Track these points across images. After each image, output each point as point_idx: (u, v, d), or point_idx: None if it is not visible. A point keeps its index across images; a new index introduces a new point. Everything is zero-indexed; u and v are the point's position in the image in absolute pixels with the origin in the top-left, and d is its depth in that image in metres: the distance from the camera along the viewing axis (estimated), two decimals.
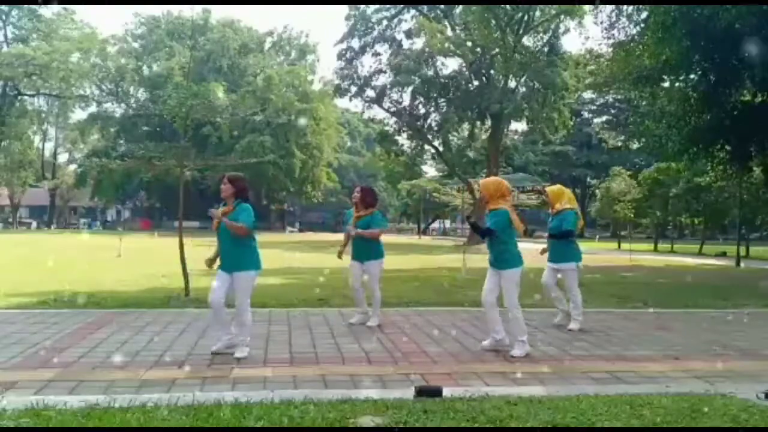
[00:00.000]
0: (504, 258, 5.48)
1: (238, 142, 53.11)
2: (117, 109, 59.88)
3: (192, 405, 3.53)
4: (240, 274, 5.14)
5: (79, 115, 61.56)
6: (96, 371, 4.60)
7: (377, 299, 6.83)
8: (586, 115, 64.64)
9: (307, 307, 7.81)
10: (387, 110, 39.28)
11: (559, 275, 6.94)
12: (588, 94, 52.72)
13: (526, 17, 33.75)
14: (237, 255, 5.18)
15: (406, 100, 38.21)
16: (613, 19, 17.84)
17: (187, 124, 9.45)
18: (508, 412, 3.47)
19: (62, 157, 68.83)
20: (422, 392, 3.83)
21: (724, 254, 26.74)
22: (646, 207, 32.27)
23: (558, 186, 7.41)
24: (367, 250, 6.75)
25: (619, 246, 34.95)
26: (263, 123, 54.34)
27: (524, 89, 35.86)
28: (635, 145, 56.62)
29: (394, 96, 38.28)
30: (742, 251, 23.58)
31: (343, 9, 39.62)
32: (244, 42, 60.93)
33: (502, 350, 5.49)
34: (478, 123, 40.05)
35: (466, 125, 40.65)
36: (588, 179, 63.76)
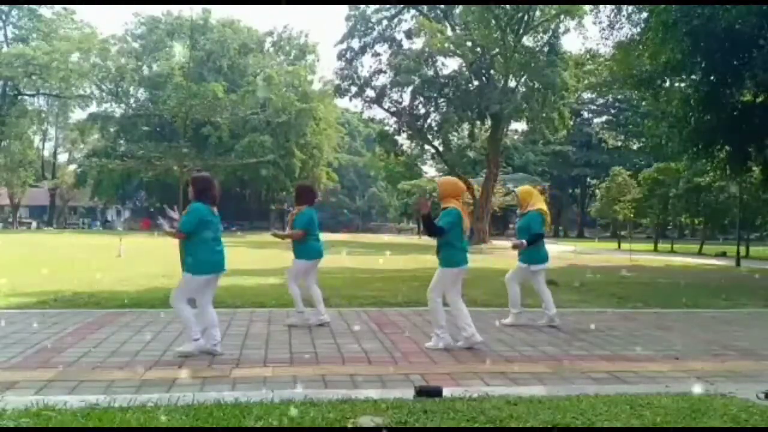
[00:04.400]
0: (446, 257, 5.65)
1: (238, 142, 53.13)
2: (117, 109, 59.89)
3: (192, 405, 3.53)
4: (183, 275, 5.22)
5: (79, 115, 61.78)
6: (96, 371, 4.60)
7: (291, 292, 6.76)
8: (586, 115, 64.65)
9: (307, 307, 7.78)
10: (387, 110, 39.32)
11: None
12: (588, 94, 52.75)
13: (526, 17, 33.76)
14: (182, 256, 5.23)
15: (406, 100, 38.26)
16: (612, 19, 17.87)
17: (186, 124, 9.45)
18: (508, 412, 3.46)
19: (62, 157, 68.96)
20: (422, 392, 3.83)
21: (724, 254, 26.75)
22: (646, 207, 32.27)
23: (527, 187, 7.62)
24: (294, 248, 6.79)
25: (619, 246, 34.96)
26: (263, 123, 54.35)
27: (524, 89, 35.86)
28: (635, 145, 56.85)
29: (394, 96, 38.34)
30: (742, 251, 23.59)
31: (343, 9, 39.71)
32: (244, 42, 60.93)
33: (476, 348, 5.58)
34: (478, 123, 40.07)
35: (466, 125, 40.67)
36: (588, 179, 63.76)
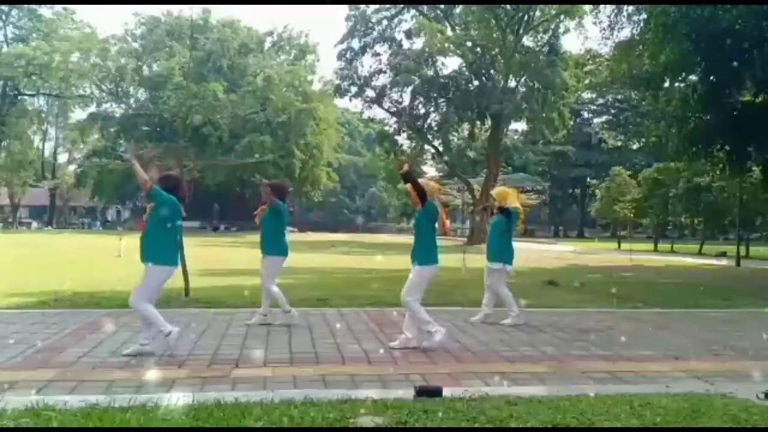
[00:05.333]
0: (424, 254, 5.59)
1: (238, 141, 53.09)
2: (117, 109, 59.79)
3: (192, 405, 3.52)
4: (146, 267, 5.03)
5: (79, 115, 61.59)
6: (96, 371, 4.60)
7: (273, 294, 6.54)
8: (586, 115, 64.58)
9: (307, 307, 7.80)
10: (387, 110, 39.34)
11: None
12: (588, 94, 52.73)
13: (526, 17, 33.77)
14: (146, 244, 5.06)
15: (406, 100, 38.27)
16: (613, 19, 17.88)
17: (186, 124, 9.45)
18: (508, 412, 3.46)
19: (62, 157, 68.88)
20: (422, 392, 3.83)
21: (724, 254, 26.73)
22: (646, 207, 32.27)
23: (502, 188, 7.88)
24: (265, 244, 6.64)
25: (619, 246, 34.94)
26: (263, 123, 54.33)
27: (524, 89, 35.86)
28: (635, 145, 56.84)
29: (394, 96, 38.36)
30: (742, 251, 23.58)
31: (343, 9, 39.70)
32: (244, 42, 60.86)
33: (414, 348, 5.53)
34: (478, 123, 40.07)
35: (466, 125, 40.67)
36: (588, 179, 63.73)
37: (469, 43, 35.52)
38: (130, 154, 5.15)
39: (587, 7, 27.45)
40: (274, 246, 6.61)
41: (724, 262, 22.62)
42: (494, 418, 3.37)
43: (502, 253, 7.05)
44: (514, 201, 7.22)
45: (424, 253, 5.60)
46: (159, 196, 5.06)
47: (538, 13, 33.87)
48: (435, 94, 37.46)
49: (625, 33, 17.90)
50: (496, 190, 7.62)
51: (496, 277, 7.06)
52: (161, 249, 5.03)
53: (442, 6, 36.96)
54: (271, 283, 6.59)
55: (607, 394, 3.97)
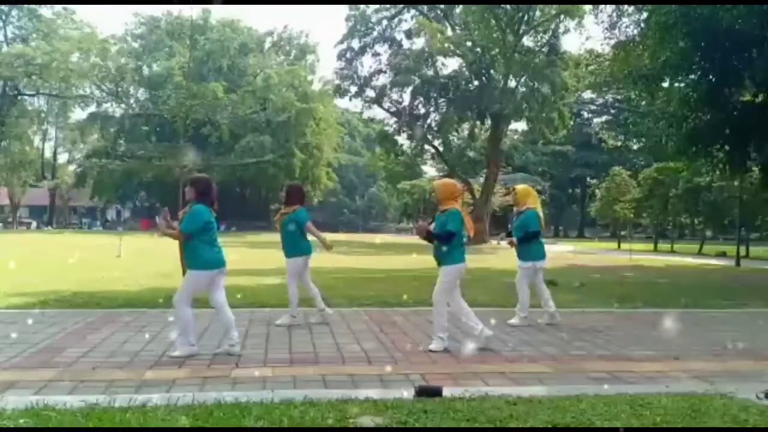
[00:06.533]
0: (449, 254, 5.55)
1: (238, 142, 53.12)
2: (117, 109, 59.89)
3: (192, 405, 3.53)
4: (188, 272, 5.25)
5: (79, 115, 61.64)
6: (96, 371, 4.60)
7: (290, 296, 6.77)
8: (586, 115, 64.58)
9: (306, 307, 7.79)
10: (387, 110, 39.37)
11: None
12: (588, 94, 52.66)
13: (526, 17, 33.78)
14: (185, 253, 5.27)
15: (406, 100, 38.33)
16: (614, 19, 17.88)
17: (186, 124, 9.44)
18: (508, 412, 3.46)
19: (62, 157, 68.86)
20: (422, 392, 3.83)
21: (724, 254, 26.74)
22: (646, 207, 32.26)
23: (524, 186, 7.75)
24: (287, 246, 6.78)
25: (619, 246, 34.94)
26: (263, 123, 54.38)
27: (524, 89, 35.87)
28: (635, 145, 56.74)
29: (394, 96, 38.42)
30: (742, 251, 23.58)
31: (343, 9, 39.73)
32: (244, 42, 60.89)
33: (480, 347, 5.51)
34: (478, 123, 40.09)
35: (466, 125, 40.69)
36: (588, 179, 63.71)
37: (469, 43, 35.53)
38: (162, 227, 5.36)
39: (587, 7, 27.47)
40: (294, 247, 6.74)
41: (724, 262, 22.62)
42: (494, 418, 3.37)
43: (531, 251, 7.07)
44: (534, 201, 7.26)
45: (452, 253, 5.56)
46: (196, 214, 5.23)
47: (538, 13, 33.88)
48: (435, 94, 37.50)
49: (625, 32, 17.93)
50: (519, 188, 7.59)
51: (524, 274, 7.08)
52: (198, 255, 5.19)
53: (442, 6, 36.98)
54: (292, 284, 6.78)
55: (607, 394, 3.97)
